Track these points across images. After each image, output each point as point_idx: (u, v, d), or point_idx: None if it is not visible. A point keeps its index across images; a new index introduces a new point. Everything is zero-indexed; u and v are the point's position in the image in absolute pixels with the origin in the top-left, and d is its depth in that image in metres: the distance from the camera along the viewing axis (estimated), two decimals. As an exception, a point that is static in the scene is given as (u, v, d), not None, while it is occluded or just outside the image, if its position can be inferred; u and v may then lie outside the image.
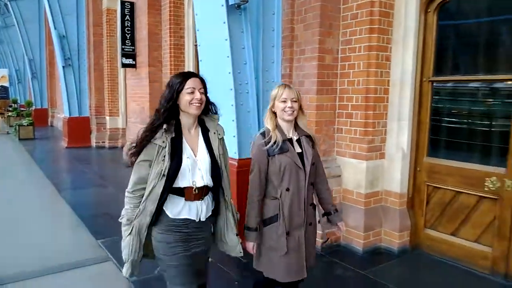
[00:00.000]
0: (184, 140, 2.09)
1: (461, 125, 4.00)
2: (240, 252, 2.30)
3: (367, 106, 4.10)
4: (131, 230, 2.09)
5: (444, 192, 3.97)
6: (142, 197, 2.06)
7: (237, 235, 2.27)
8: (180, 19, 8.20)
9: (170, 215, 2.07)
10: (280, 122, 2.42)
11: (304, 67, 4.35)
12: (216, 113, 2.25)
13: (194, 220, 2.11)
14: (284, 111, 2.36)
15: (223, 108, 3.89)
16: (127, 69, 9.74)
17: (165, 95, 2.06)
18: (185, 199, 2.08)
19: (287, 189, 2.34)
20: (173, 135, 2.04)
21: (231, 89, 3.98)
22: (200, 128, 2.18)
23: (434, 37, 4.02)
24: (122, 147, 10.67)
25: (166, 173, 2.00)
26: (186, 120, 2.12)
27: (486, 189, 3.60)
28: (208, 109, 2.19)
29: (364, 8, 4.03)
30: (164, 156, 2.00)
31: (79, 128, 12.08)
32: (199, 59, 4.35)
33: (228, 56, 3.92)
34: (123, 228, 2.14)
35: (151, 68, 8.62)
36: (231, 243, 2.28)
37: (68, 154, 11.04)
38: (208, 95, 2.15)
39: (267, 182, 2.38)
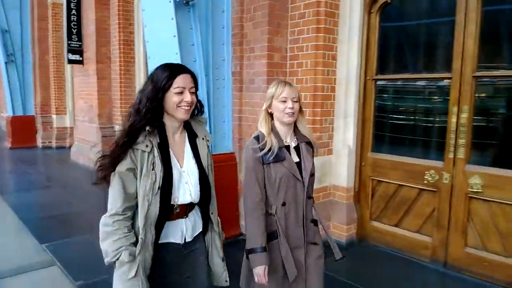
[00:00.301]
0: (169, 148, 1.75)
1: (403, 122, 4.19)
2: (226, 281, 1.97)
3: (315, 104, 4.19)
4: (137, 270, 1.59)
5: (387, 186, 4.15)
6: (133, 218, 1.66)
7: (223, 259, 1.97)
8: (130, 14, 8.00)
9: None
10: (277, 125, 2.12)
11: (254, 65, 4.39)
12: (202, 113, 1.92)
13: (179, 244, 1.78)
14: (284, 113, 2.06)
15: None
16: (74, 65, 9.38)
17: (147, 92, 1.67)
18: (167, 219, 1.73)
19: (283, 204, 2.05)
20: (158, 140, 1.69)
21: (180, 87, 3.94)
22: (186, 133, 1.85)
23: (377, 38, 4.18)
24: (70, 147, 10.26)
25: (161, 185, 1.63)
26: (171, 124, 1.77)
27: (425, 182, 3.79)
28: (194, 110, 1.85)
29: (311, 8, 4.12)
30: (154, 163, 1.63)
31: (23, 128, 11.46)
32: (147, 56, 4.27)
33: (177, 53, 3.88)
34: (121, 269, 1.58)
35: (99, 64, 8.34)
36: (216, 269, 1.94)
37: (12, 155, 10.47)
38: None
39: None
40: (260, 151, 2.02)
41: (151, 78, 1.71)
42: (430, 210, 3.84)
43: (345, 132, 4.32)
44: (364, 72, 4.23)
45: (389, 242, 4.16)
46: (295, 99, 2.07)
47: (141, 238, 1.61)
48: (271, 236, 2.06)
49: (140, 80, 7.90)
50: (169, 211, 1.69)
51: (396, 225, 4.11)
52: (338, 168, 4.37)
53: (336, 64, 4.28)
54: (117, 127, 8.08)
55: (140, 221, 1.62)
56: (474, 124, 3.53)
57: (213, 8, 4.32)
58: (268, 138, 2.03)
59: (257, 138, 2.08)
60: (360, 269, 3.82)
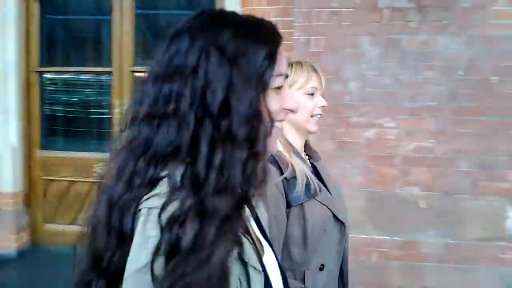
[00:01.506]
0: None
1: (75, 116, 4.12)
2: None
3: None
4: None
5: (59, 184, 3.98)
6: None
7: None
8: None
9: None
10: (291, 136, 1.27)
11: None
12: None
13: None
14: (310, 116, 1.26)
15: None
16: None
17: (236, 88, 0.63)
18: None
19: (321, 268, 1.22)
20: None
21: None
22: None
23: (38, 28, 3.95)
24: None
25: None
26: None
27: (95, 175, 3.85)
28: None
29: None
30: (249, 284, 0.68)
31: None
32: None
33: None
34: None
35: None
36: None
37: None
38: None
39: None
40: (290, 184, 1.18)
41: (224, 51, 0.64)
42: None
43: (7, 130, 3.87)
44: (25, 64, 3.91)
45: (65, 241, 3.98)
46: (322, 91, 1.32)
47: None
48: None
49: None
50: None
51: (71, 223, 3.97)
52: (2, 172, 3.87)
53: (-10, 53, 3.79)
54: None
55: None
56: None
57: None
58: (292, 161, 1.21)
59: (273, 162, 1.17)
60: (33, 276, 3.54)
